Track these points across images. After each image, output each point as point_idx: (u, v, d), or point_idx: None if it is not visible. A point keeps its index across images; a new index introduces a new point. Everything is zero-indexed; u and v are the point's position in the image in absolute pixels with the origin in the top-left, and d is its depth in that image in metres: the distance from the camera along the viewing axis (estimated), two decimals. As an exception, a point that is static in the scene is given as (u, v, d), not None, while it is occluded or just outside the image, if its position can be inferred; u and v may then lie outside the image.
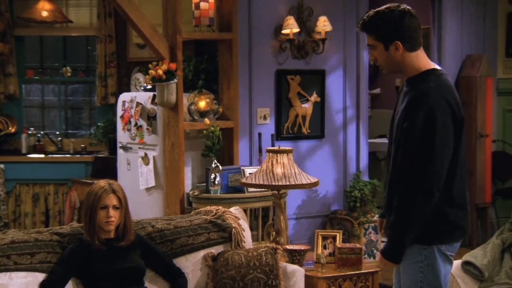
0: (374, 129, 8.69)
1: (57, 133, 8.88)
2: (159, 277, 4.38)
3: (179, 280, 4.36)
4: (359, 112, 7.39)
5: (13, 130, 8.61)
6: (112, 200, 4.13)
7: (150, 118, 6.68)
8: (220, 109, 6.54)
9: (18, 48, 8.65)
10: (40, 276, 4.06)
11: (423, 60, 3.49)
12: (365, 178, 7.37)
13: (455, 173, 3.41)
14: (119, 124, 7.08)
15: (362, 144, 7.41)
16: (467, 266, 4.80)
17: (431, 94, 3.34)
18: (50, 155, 8.43)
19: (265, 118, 6.89)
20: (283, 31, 6.86)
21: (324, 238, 5.41)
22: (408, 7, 3.48)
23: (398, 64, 3.48)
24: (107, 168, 7.76)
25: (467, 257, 4.85)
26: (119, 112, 7.07)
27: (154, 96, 6.55)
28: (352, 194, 7.02)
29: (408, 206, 3.34)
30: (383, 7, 3.47)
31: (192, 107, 6.46)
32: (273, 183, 5.20)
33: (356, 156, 7.38)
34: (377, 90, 9.41)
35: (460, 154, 3.43)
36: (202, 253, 4.56)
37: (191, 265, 4.51)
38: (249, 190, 6.09)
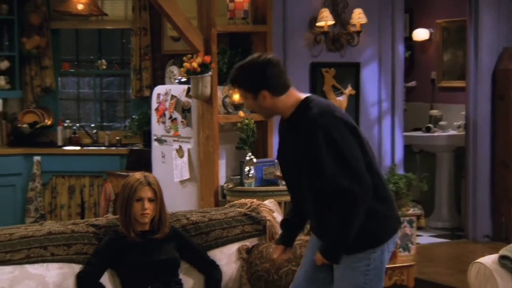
0: (409, 122, 8.64)
1: (92, 125, 8.95)
2: (194, 269, 4.40)
3: (214, 273, 4.37)
4: (394, 105, 7.35)
5: (49, 122, 8.69)
6: (147, 193, 4.15)
7: (185, 110, 6.71)
8: (255, 102, 6.53)
9: (54, 41, 8.73)
10: (76, 267, 4.09)
11: (294, 97, 3.67)
12: (400, 171, 7.34)
13: (372, 173, 3.59)
14: (154, 117, 7.12)
15: (397, 137, 7.38)
16: (504, 261, 4.75)
17: (319, 118, 3.52)
18: (85, 148, 8.50)
19: (299, 111, 6.88)
20: (318, 24, 6.84)
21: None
22: (268, 56, 3.65)
23: (272, 109, 3.68)
24: (141, 160, 7.81)
25: (504, 251, 4.80)
26: (154, 104, 7.11)
27: (188, 89, 6.58)
28: (387, 187, 6.98)
29: (348, 217, 3.50)
30: (246, 61, 3.68)
31: (227, 99, 6.47)
32: (308, 176, 5.18)
33: (391, 149, 7.34)
34: (412, 83, 9.35)
35: (368, 154, 3.62)
36: (236, 245, 4.57)
37: (226, 257, 4.52)
38: (283, 183, 6.09)
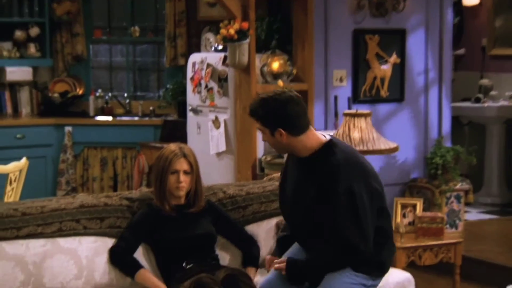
0: (457, 92, 8.57)
1: (125, 95, 9.00)
2: (231, 244, 4.43)
3: (252, 248, 4.39)
4: (441, 74, 7.29)
5: (80, 92, 8.77)
6: (183, 165, 4.18)
7: (221, 80, 6.72)
8: (294, 71, 6.53)
9: (85, 7, 8.77)
10: (109, 241, 4.15)
11: (314, 138, 3.80)
12: (448, 144, 7.30)
13: (383, 217, 3.83)
14: (189, 86, 7.15)
15: (444, 108, 7.33)
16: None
17: (344, 167, 3.68)
18: (118, 118, 8.56)
19: (341, 80, 6.86)
20: (361, -12, 6.80)
21: (404, 206, 5.40)
22: (292, 93, 3.77)
23: (288, 147, 3.81)
24: (176, 131, 7.84)
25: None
26: (189, 73, 7.13)
27: (225, 57, 6.58)
28: (433, 161, 6.96)
29: (337, 264, 3.74)
30: (269, 94, 3.78)
31: (265, 68, 6.47)
32: (350, 149, 5.18)
33: (438, 120, 7.30)
34: (461, 51, 9.26)
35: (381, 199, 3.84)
36: (274, 220, 4.59)
37: (264, 232, 4.55)
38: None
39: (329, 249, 3.72)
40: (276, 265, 3.86)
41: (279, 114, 3.74)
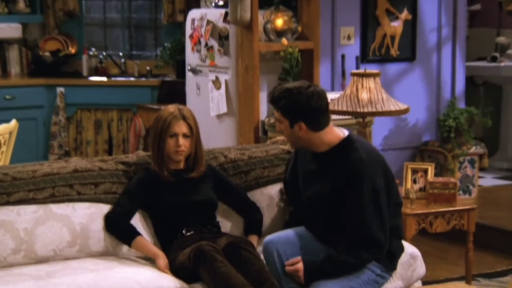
0: (472, 51, 8.55)
1: (120, 54, 8.98)
2: (232, 211, 4.45)
3: (255, 215, 4.41)
4: (455, 31, 7.28)
5: (73, 50, 8.75)
6: (182, 128, 4.18)
7: (222, 38, 6.70)
8: (299, 28, 6.51)
9: (77, -40, 8.74)
10: (105, 208, 4.17)
11: (332, 133, 3.93)
12: (461, 105, 7.30)
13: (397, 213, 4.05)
14: (188, 45, 7.13)
15: (458, 67, 7.32)
16: None
17: (368, 165, 3.82)
18: (113, 78, 8.54)
19: (349, 38, 6.85)
20: None
21: (414, 171, 5.41)
22: (317, 89, 3.89)
23: (304, 141, 3.93)
24: (174, 92, 7.84)
25: None
26: (188, 31, 7.11)
27: (226, 13, 6.56)
28: (446, 123, 6.96)
29: (361, 261, 3.88)
30: (294, 85, 3.90)
31: (268, 25, 6.45)
32: (358, 110, 5.19)
33: (451, 80, 7.30)
34: (476, 6, 9.22)
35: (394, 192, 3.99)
36: (279, 186, 4.60)
37: (267, 199, 4.56)
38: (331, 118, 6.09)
39: (351, 248, 3.85)
40: (291, 268, 3.94)
41: (303, 107, 3.85)
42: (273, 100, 3.94)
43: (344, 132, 3.97)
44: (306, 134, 3.89)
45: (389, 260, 3.98)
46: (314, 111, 3.87)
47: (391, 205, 3.92)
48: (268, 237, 4.08)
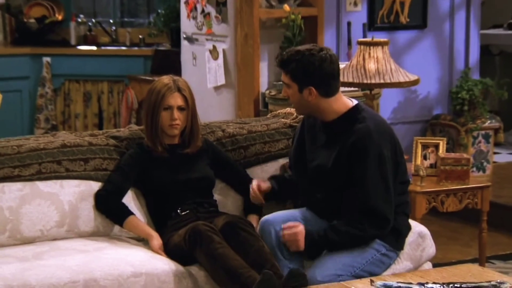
0: (487, 18, 8.53)
1: (111, 21, 8.97)
2: (231, 189, 4.47)
3: (254, 193, 4.42)
4: (469, -4, 7.28)
5: (60, 17, 8.73)
6: (177, 100, 4.19)
7: (220, 3, 6.69)
8: (302, -7, 6.51)
9: None
10: (95, 185, 4.19)
11: (341, 101, 3.97)
12: (475, 76, 7.30)
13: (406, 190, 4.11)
14: (183, 11, 7.12)
15: (472, 35, 7.31)
16: None
17: (374, 133, 3.85)
18: (103, 47, 8.54)
19: (355, 4, 6.84)
20: None
21: (424, 146, 5.42)
22: (330, 52, 3.91)
23: (312, 108, 3.96)
24: (169, 62, 7.84)
25: None
26: (183, -4, 7.11)
27: (224, -23, 6.55)
28: (459, 95, 6.97)
29: (363, 236, 3.90)
30: (305, 47, 3.92)
31: (269, -10, 6.44)
32: (365, 81, 5.20)
33: (464, 49, 7.29)
34: (492, -30, 9.21)
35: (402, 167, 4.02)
36: (280, 162, 4.62)
37: (267, 175, 4.54)
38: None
39: (355, 219, 3.87)
40: (289, 232, 3.93)
41: (314, 71, 3.87)
42: (283, 62, 3.94)
43: (353, 101, 4.01)
44: (316, 99, 3.91)
45: (395, 238, 3.99)
46: (326, 75, 3.89)
47: (397, 182, 3.94)
48: (266, 217, 4.10)
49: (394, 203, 3.90)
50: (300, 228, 3.91)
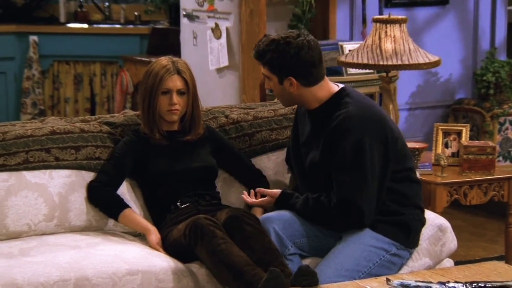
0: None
1: (104, -3, 8.99)
2: (235, 180, 4.48)
3: (259, 184, 4.42)
4: (496, -31, 7.28)
5: (48, -8, 8.75)
6: (177, 83, 4.19)
7: (223, -23, 6.70)
8: (313, -34, 6.51)
9: None
10: (87, 175, 4.20)
11: (326, 88, 3.99)
12: (502, 57, 7.30)
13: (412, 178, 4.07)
14: (183, -14, 7.13)
15: (498, 12, 7.31)
16: None
17: (354, 117, 3.85)
18: (95, 25, 8.56)
19: (371, -22, 6.85)
20: None
21: (446, 133, 5.43)
22: (308, 38, 3.92)
23: (296, 99, 4.02)
24: (167, 42, 7.85)
25: None
26: (183, -30, 7.11)
27: (227, -52, 6.56)
28: (484, 78, 6.97)
29: (330, 219, 3.96)
30: (280, 35, 3.94)
31: (277, -37, 6.45)
32: (381, 63, 5.20)
33: (490, 28, 7.29)
34: None
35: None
36: (288, 151, 4.64)
37: (274, 165, 4.58)
38: (348, 72, 6.11)
39: (331, 208, 3.91)
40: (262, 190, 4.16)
41: (292, 60, 3.90)
42: (258, 54, 3.98)
43: (339, 86, 4.03)
44: (298, 90, 3.95)
45: (405, 235, 3.98)
46: (305, 64, 3.91)
47: (389, 170, 3.91)
48: (266, 214, 4.12)
49: (375, 194, 3.88)
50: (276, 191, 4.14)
